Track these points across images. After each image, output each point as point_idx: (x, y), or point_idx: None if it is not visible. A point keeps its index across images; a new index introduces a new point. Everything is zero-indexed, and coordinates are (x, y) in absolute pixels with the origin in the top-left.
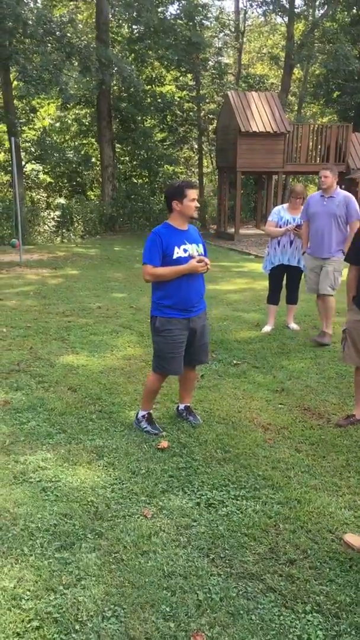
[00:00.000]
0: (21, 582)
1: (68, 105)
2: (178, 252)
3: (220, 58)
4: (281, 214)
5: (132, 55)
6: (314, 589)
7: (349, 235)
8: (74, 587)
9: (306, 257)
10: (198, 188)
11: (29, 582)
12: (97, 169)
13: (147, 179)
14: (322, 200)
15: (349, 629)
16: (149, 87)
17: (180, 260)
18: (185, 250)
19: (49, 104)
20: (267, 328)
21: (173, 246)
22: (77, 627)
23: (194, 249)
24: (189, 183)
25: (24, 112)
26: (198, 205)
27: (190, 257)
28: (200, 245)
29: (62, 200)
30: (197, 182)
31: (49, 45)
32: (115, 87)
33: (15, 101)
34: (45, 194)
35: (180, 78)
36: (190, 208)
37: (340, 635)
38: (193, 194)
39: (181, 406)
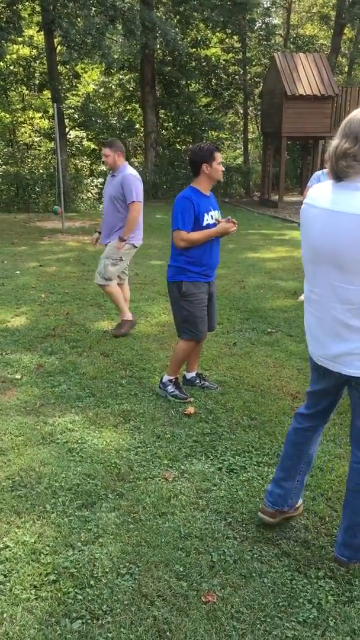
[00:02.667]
0: (41, 538)
1: (112, 70)
2: (207, 219)
3: (268, 19)
4: (321, 179)
5: (177, 17)
6: (329, 555)
7: (127, 218)
8: (92, 544)
9: None
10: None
11: (48, 537)
12: (141, 135)
13: (190, 145)
14: (109, 179)
15: None
16: (193, 50)
17: (209, 227)
18: (212, 217)
19: (92, 69)
20: (303, 296)
21: (203, 213)
22: (91, 582)
23: (217, 215)
24: (217, 146)
25: (67, 78)
26: (224, 168)
27: (216, 223)
28: (218, 212)
29: (105, 167)
30: (242, 148)
31: (93, 8)
32: (159, 51)
33: (59, 67)
34: (89, 161)
35: (226, 40)
36: (218, 171)
37: (352, 601)
38: (220, 156)
39: (190, 375)
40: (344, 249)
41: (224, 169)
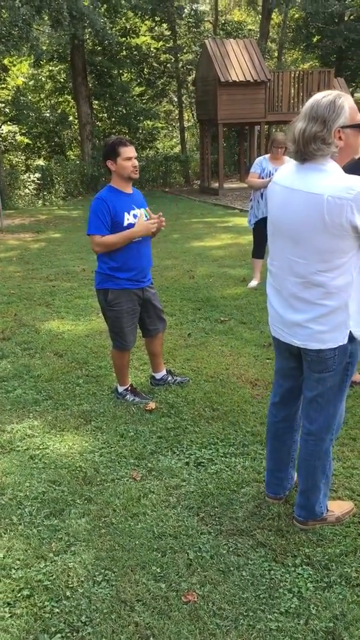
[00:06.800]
0: (10, 552)
1: (41, 62)
2: (128, 219)
3: (196, 5)
4: (263, 164)
5: (105, 6)
6: (304, 541)
7: None
8: (64, 553)
9: None
10: (134, 146)
11: (18, 551)
12: (75, 127)
13: (127, 136)
14: None
15: (339, 580)
16: (123, 39)
17: (131, 228)
18: (135, 216)
19: (21, 61)
20: (253, 283)
21: (122, 212)
22: (67, 593)
23: (142, 213)
24: (122, 140)
25: None
26: (136, 164)
27: None
28: (148, 210)
29: (41, 162)
30: (179, 136)
31: None
32: (88, 41)
33: None
34: (24, 157)
35: (156, 28)
36: (126, 168)
37: (331, 586)
38: (128, 152)
39: (160, 374)
40: (297, 225)
41: (136, 164)
